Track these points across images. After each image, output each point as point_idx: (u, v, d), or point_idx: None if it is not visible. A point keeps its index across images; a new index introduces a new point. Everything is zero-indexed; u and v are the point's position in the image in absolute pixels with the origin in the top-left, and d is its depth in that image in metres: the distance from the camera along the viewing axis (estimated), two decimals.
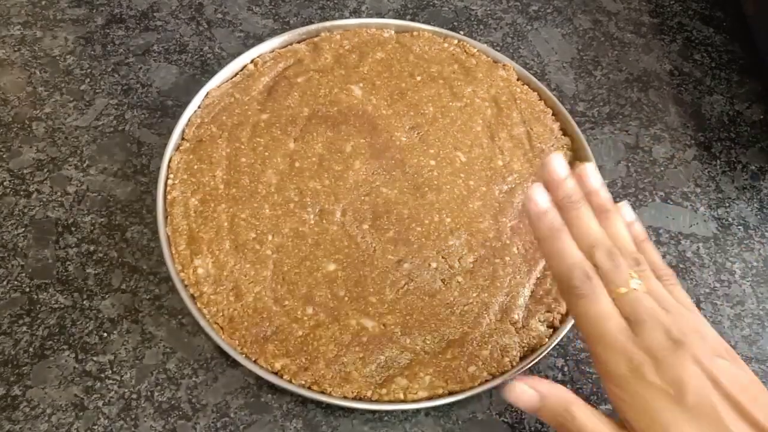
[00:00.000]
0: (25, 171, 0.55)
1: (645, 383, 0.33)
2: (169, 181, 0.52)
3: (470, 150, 0.55)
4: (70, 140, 0.57)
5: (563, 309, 0.49)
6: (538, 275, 0.50)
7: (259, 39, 0.63)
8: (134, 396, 0.46)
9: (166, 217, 0.50)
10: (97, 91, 0.59)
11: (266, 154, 0.53)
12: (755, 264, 0.55)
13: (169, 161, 0.53)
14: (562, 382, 0.48)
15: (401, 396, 0.44)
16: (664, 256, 0.55)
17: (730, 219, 0.57)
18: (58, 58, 0.61)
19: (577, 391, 0.48)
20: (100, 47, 0.62)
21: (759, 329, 0.52)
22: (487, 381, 0.46)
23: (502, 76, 0.59)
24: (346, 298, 0.48)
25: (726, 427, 0.31)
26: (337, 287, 0.48)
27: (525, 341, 0.47)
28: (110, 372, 0.47)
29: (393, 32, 0.62)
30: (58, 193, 0.54)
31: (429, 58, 0.60)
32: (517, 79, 0.60)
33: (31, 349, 0.47)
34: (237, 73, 0.58)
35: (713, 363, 0.33)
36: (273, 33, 0.63)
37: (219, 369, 0.47)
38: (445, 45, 0.61)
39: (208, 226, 0.50)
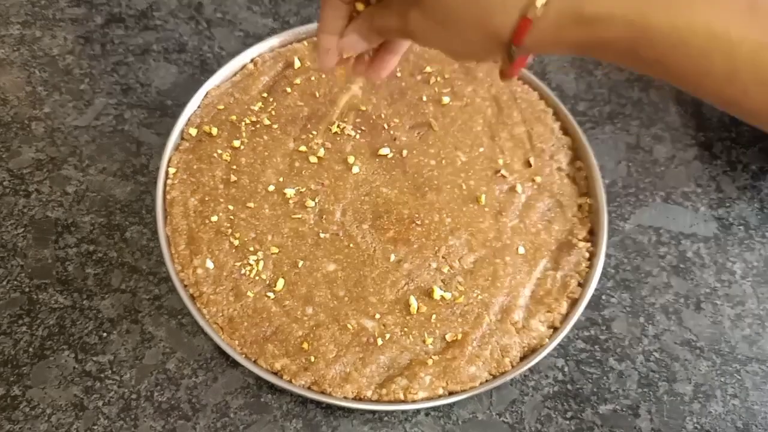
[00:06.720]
0: (24, 171, 0.55)
1: None
2: (169, 181, 0.51)
3: (471, 150, 0.55)
4: (70, 140, 0.56)
5: (563, 309, 0.49)
6: (539, 275, 0.50)
7: (259, 38, 0.63)
8: (134, 396, 0.46)
9: (165, 217, 0.50)
10: (96, 90, 0.59)
11: (266, 153, 0.53)
12: (756, 264, 0.55)
13: (169, 161, 0.52)
14: (562, 382, 0.49)
15: (401, 396, 0.44)
16: (664, 256, 0.55)
17: (730, 219, 0.57)
18: (57, 57, 0.61)
19: (578, 391, 0.48)
20: (99, 47, 0.62)
21: (759, 329, 0.52)
22: (487, 381, 0.46)
23: None
24: (346, 298, 0.48)
25: None
26: (337, 287, 0.48)
27: (525, 341, 0.47)
28: (110, 372, 0.47)
29: None
30: (58, 193, 0.54)
31: (429, 57, 0.60)
32: (518, 79, 0.60)
33: (30, 349, 0.47)
34: (236, 73, 0.58)
35: None
36: (272, 32, 0.63)
37: (219, 369, 0.47)
38: None
39: (207, 226, 0.50)
